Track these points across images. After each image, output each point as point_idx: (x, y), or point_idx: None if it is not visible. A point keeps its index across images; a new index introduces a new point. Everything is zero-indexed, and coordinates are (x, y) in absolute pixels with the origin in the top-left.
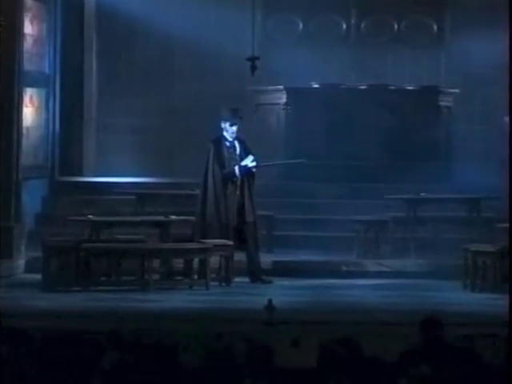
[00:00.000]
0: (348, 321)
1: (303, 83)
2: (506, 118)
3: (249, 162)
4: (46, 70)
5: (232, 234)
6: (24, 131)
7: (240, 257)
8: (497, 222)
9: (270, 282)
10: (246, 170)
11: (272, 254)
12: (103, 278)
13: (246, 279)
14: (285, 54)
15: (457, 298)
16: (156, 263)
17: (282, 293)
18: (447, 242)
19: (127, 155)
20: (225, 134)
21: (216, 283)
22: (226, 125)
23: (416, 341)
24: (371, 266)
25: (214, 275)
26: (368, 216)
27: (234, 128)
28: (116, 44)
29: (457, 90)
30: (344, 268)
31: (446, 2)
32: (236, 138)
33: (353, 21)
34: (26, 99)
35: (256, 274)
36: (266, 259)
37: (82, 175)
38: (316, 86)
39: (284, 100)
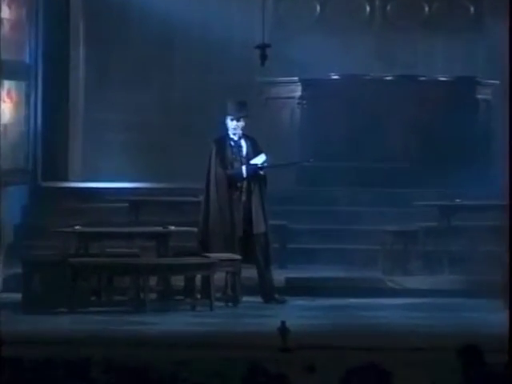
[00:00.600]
0: (373, 346)
1: (321, 74)
2: None
3: (259, 161)
4: (27, 60)
5: (238, 246)
6: (1, 129)
7: (249, 273)
8: None
9: (284, 301)
10: (253, 171)
11: (285, 269)
12: (93, 298)
13: (256, 299)
14: (299, 42)
15: (497, 319)
16: (153, 281)
17: (297, 314)
18: (486, 256)
19: (120, 157)
20: (230, 132)
21: (222, 303)
22: (230, 121)
23: (452, 369)
24: (399, 283)
25: (219, 294)
26: (395, 226)
27: (239, 124)
28: (107, 31)
29: (497, 82)
30: (368, 286)
31: None
32: (243, 136)
33: (377, 3)
34: (3, 93)
35: (268, 292)
36: (278, 276)
37: (67, 180)
38: (335, 77)
39: (299, 93)
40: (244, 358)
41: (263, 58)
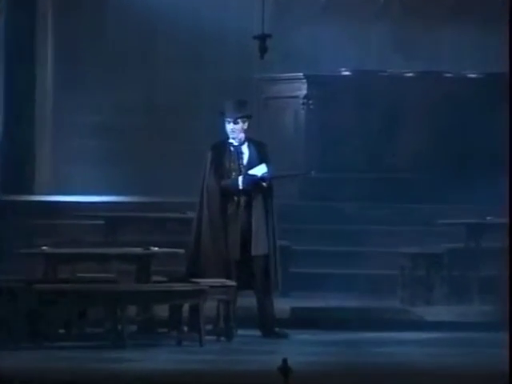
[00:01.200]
0: None
1: (329, 70)
2: None
3: (260, 171)
4: None
5: (235, 271)
6: None
7: (245, 302)
8: None
9: (286, 336)
10: (252, 182)
11: (288, 298)
12: (62, 331)
13: (254, 332)
14: (305, 32)
15: None
16: (133, 310)
17: (300, 350)
18: None
19: (95, 166)
20: (230, 136)
21: (213, 337)
22: (227, 123)
23: None
24: (420, 314)
25: (210, 326)
26: (415, 247)
27: (237, 127)
28: (79, 21)
29: None
30: (383, 317)
31: None
32: (247, 141)
33: None
34: None
35: (267, 325)
36: (280, 305)
37: (33, 193)
38: (347, 73)
39: (304, 92)
40: None
41: (263, 50)
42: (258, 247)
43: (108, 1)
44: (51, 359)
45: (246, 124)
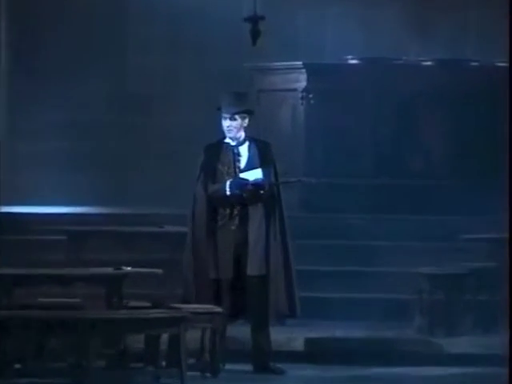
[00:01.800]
0: None
1: (333, 57)
2: None
3: (253, 175)
4: None
5: (226, 294)
6: None
7: (235, 332)
8: None
9: (282, 372)
10: (241, 187)
11: (284, 326)
12: (17, 366)
13: (244, 366)
14: (304, 14)
15: None
16: (101, 342)
17: None
18: None
19: (54, 172)
20: (226, 135)
21: (197, 373)
22: (223, 119)
23: None
24: (441, 345)
25: (193, 360)
26: (435, 267)
27: (234, 124)
28: (35, 2)
29: None
30: (398, 349)
31: None
32: (246, 141)
33: None
34: None
35: (261, 358)
36: (276, 335)
37: None
38: (354, 61)
39: (303, 84)
40: None
41: (255, 34)
42: (254, 266)
43: None
44: None
45: (246, 121)
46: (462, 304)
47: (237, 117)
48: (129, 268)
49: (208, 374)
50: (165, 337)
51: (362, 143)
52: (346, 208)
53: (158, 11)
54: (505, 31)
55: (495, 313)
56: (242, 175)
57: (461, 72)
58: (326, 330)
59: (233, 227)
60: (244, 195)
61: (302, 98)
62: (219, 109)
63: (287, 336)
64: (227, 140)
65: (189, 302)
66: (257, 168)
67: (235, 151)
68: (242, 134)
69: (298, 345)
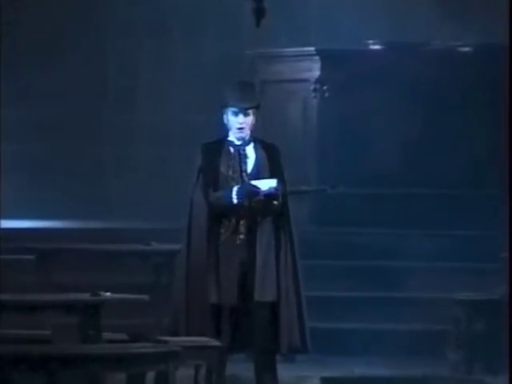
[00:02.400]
0: None
1: (351, 42)
2: None
3: (267, 185)
4: None
5: (225, 324)
6: None
7: (236, 369)
8: None
9: None
10: (251, 194)
11: (294, 363)
12: None
13: None
14: None
15: None
16: (76, 380)
17: None
18: None
19: (19, 179)
20: (232, 133)
21: None
22: (231, 115)
23: None
24: None
25: None
26: (473, 292)
27: (247, 120)
28: None
29: None
30: None
31: None
32: (252, 142)
33: None
34: None
35: None
36: (285, 374)
37: None
38: (376, 46)
39: (316, 74)
40: None
41: (259, 13)
42: (264, 290)
43: None
44: None
45: (255, 118)
46: (506, 336)
47: (250, 112)
48: (108, 294)
49: None
50: (151, 375)
51: (385, 145)
52: (366, 222)
53: None
54: None
55: None
56: (253, 183)
57: (501, 58)
58: (343, 368)
59: (238, 241)
60: (253, 205)
61: (315, 91)
62: (225, 105)
63: (297, 375)
64: (230, 138)
65: (180, 334)
66: (268, 175)
67: (241, 152)
68: (248, 133)
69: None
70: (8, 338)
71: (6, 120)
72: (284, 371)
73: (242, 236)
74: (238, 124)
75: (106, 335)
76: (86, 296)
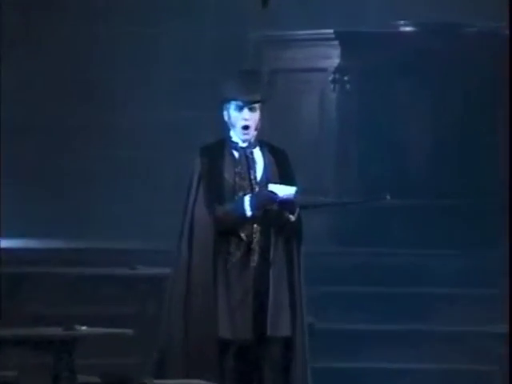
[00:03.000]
0: None
1: (378, 24)
2: None
3: (285, 192)
4: None
5: (229, 364)
6: None
7: None
8: None
9: None
10: (269, 202)
11: None
12: None
13: None
14: None
15: None
16: None
17: None
18: None
19: None
20: (234, 133)
21: None
22: (234, 111)
23: None
24: None
25: None
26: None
27: (253, 116)
28: None
29: None
30: None
31: None
32: (259, 144)
33: None
34: None
35: None
36: None
37: None
38: (408, 28)
39: (335, 61)
40: None
41: None
42: (279, 325)
43: None
44: None
45: (261, 114)
46: None
47: (257, 106)
48: (84, 327)
49: None
50: None
51: (418, 147)
52: (395, 240)
53: None
54: None
55: None
56: (270, 187)
57: None
58: None
59: (253, 263)
60: (268, 216)
61: (334, 82)
62: (226, 99)
63: None
64: (234, 139)
65: (170, 377)
66: (279, 182)
67: (249, 155)
68: (254, 134)
69: None
70: None
71: None
72: None
73: (256, 257)
74: (243, 121)
75: (82, 378)
76: (58, 330)
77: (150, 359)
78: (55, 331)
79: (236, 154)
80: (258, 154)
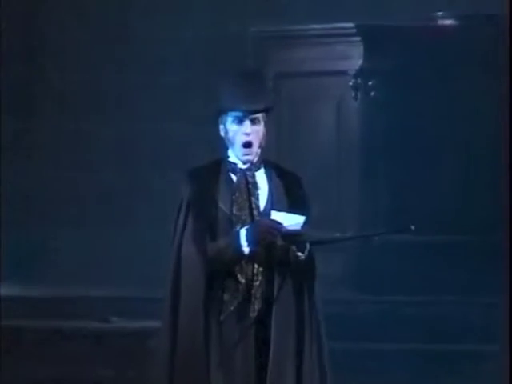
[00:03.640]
0: None
1: (410, 16)
2: None
3: (292, 221)
4: None
5: None
6: None
7: None
8: None
9: None
10: (270, 234)
11: None
12: None
13: None
14: None
15: None
16: None
17: None
18: None
19: None
20: (233, 151)
21: None
22: (232, 123)
23: None
24: None
25: None
26: None
27: (258, 129)
28: None
29: None
30: None
31: None
32: (263, 165)
33: None
34: None
35: None
36: None
37: None
38: (447, 21)
39: (357, 63)
40: None
41: None
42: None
43: None
44: None
45: (265, 127)
46: None
47: (260, 118)
48: None
49: None
50: None
51: (457, 168)
52: (432, 287)
53: None
54: None
55: None
56: (273, 215)
57: None
58: None
59: (253, 313)
60: (271, 252)
61: (356, 88)
62: (222, 109)
63: None
64: (232, 159)
65: None
66: (293, 212)
67: (249, 179)
68: (258, 152)
69: None
70: None
71: None
72: None
73: (257, 305)
74: (244, 136)
75: None
76: None
77: None
78: None
79: (234, 177)
80: (261, 177)
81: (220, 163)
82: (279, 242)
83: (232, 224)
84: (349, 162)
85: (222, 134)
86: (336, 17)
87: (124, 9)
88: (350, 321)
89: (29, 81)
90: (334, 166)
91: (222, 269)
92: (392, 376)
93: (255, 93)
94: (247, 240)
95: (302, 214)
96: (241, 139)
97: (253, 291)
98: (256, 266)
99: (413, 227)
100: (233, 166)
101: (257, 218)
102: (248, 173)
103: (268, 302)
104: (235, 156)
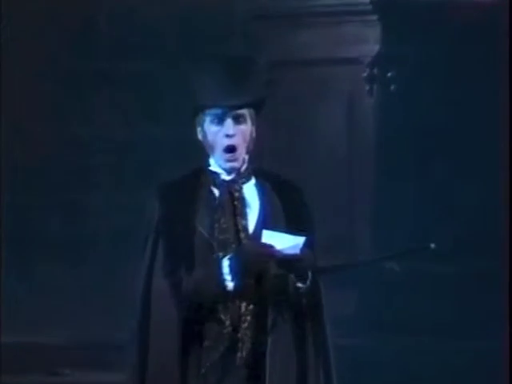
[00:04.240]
0: None
1: None
2: None
3: (288, 243)
4: None
5: None
6: None
7: None
8: None
9: None
10: (258, 264)
11: None
12: None
13: None
14: None
15: None
16: None
17: None
18: None
19: None
20: (211, 160)
21: None
22: (210, 123)
23: None
24: None
25: None
26: None
27: (243, 129)
28: None
29: None
30: None
31: None
32: (252, 175)
33: None
34: None
35: None
36: None
37: None
38: None
39: (373, 48)
40: None
41: None
42: None
43: None
44: None
45: (254, 127)
46: None
47: (246, 115)
48: None
49: None
50: None
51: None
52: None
53: None
54: None
55: None
56: (265, 238)
57: None
58: None
59: (238, 362)
60: (263, 285)
61: (371, 80)
62: (199, 107)
63: None
64: (213, 167)
65: None
66: (282, 229)
67: (235, 194)
68: (245, 159)
69: None
70: None
71: None
72: None
73: (244, 352)
74: (226, 139)
75: None
76: None
77: None
78: None
79: (216, 191)
80: (251, 191)
81: (199, 174)
82: (273, 270)
83: (212, 250)
84: (362, 173)
85: (200, 137)
86: None
87: None
88: (371, 369)
89: None
90: (344, 176)
91: (201, 308)
92: None
93: (239, 83)
94: (231, 272)
95: (303, 235)
96: (222, 143)
97: (240, 335)
98: (244, 303)
99: (433, 245)
100: (214, 177)
101: (244, 238)
102: (234, 185)
103: (260, 350)
104: (217, 164)
